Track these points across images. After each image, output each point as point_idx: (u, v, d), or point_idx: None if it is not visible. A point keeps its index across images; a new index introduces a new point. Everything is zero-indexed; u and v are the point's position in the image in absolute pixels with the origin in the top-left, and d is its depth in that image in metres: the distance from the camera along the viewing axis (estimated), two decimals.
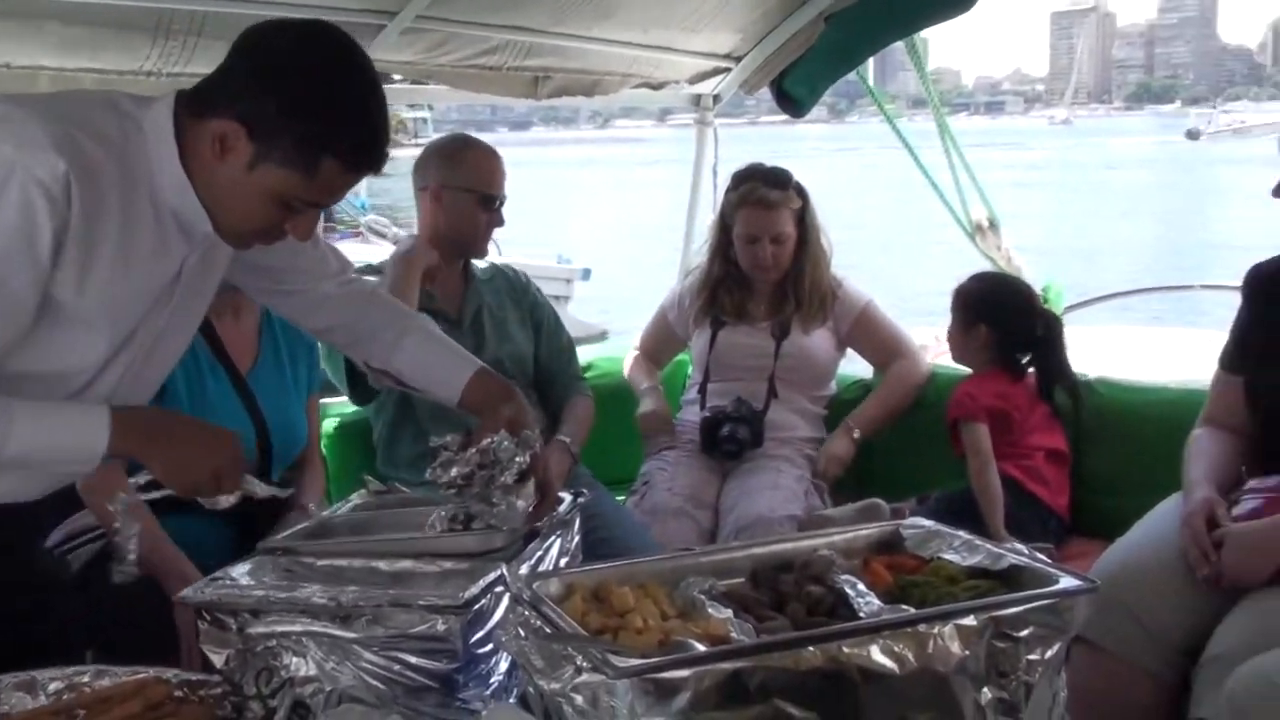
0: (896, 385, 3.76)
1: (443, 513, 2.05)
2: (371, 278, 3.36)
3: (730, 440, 3.56)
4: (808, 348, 3.69)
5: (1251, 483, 2.59)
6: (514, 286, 3.52)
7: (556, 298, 12.27)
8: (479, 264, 3.47)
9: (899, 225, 24.52)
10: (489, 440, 2.07)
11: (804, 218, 3.67)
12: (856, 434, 3.65)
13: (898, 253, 21.83)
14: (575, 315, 11.90)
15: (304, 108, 1.85)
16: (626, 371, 3.97)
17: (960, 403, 3.37)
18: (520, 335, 3.44)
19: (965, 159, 4.97)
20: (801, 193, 3.67)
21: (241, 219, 1.93)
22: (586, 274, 14.83)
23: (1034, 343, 3.46)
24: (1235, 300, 2.80)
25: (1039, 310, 3.52)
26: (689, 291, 3.88)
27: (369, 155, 1.93)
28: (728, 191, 3.76)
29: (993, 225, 5.01)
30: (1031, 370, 3.48)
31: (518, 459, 2.06)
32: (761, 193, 3.62)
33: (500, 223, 3.34)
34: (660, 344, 3.99)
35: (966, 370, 3.52)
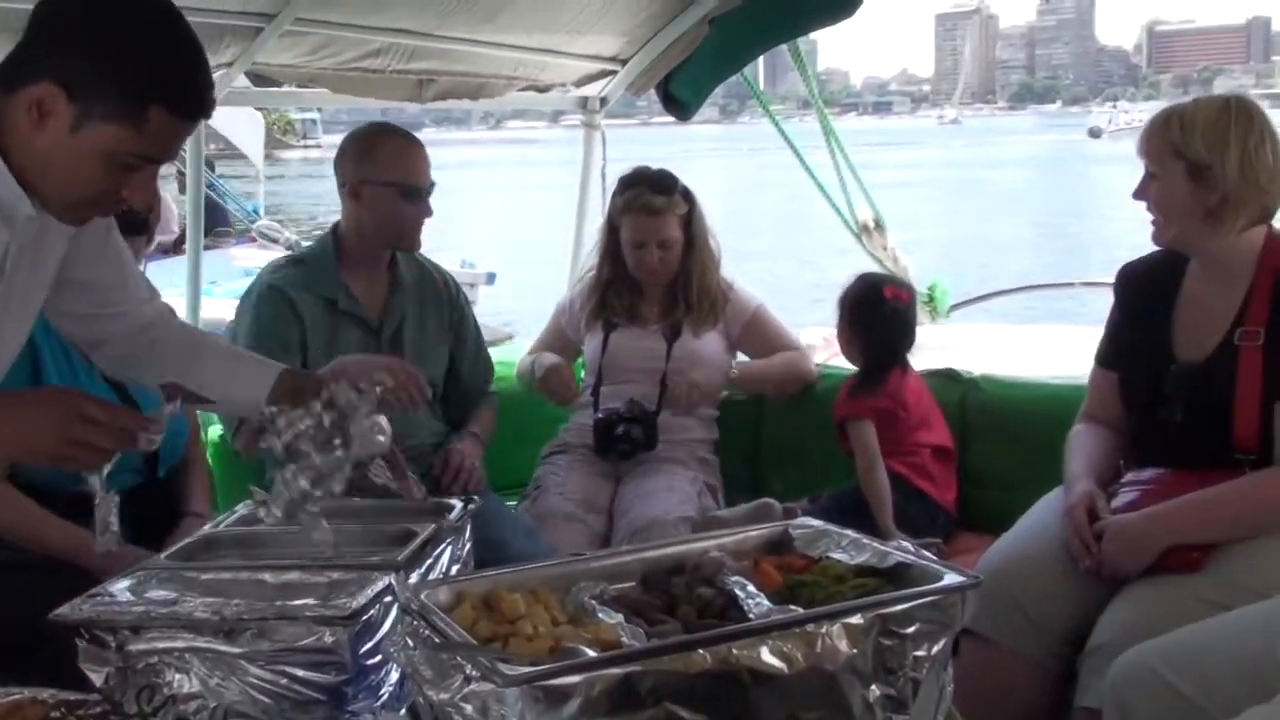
0: (784, 363, 3.80)
1: (302, 482, 1.97)
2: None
3: (624, 440, 3.56)
4: (699, 350, 3.69)
5: (1129, 475, 2.66)
6: (440, 295, 3.41)
7: None
8: (405, 263, 3.34)
9: (793, 225, 24.74)
10: (327, 392, 2.02)
11: (691, 222, 3.67)
12: (734, 372, 3.71)
13: (790, 253, 22.02)
14: (481, 320, 11.74)
15: (122, 58, 1.80)
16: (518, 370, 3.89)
17: (846, 401, 3.40)
18: (439, 353, 3.36)
19: (850, 161, 5.03)
20: (688, 197, 3.66)
21: (71, 185, 1.86)
22: (491, 278, 14.65)
23: (891, 341, 3.48)
24: (1109, 297, 2.88)
25: (888, 306, 3.50)
26: (580, 296, 3.87)
27: (195, 100, 1.89)
28: (614, 196, 3.74)
29: (879, 226, 5.09)
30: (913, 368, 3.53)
31: (363, 401, 2.02)
32: (646, 199, 3.61)
33: (429, 213, 3.22)
34: (553, 347, 3.93)
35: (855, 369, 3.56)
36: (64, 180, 1.85)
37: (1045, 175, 41.95)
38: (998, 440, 3.54)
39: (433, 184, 3.23)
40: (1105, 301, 2.92)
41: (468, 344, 3.47)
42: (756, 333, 3.80)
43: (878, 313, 3.46)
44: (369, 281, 3.27)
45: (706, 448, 3.70)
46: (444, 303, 3.42)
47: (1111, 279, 2.90)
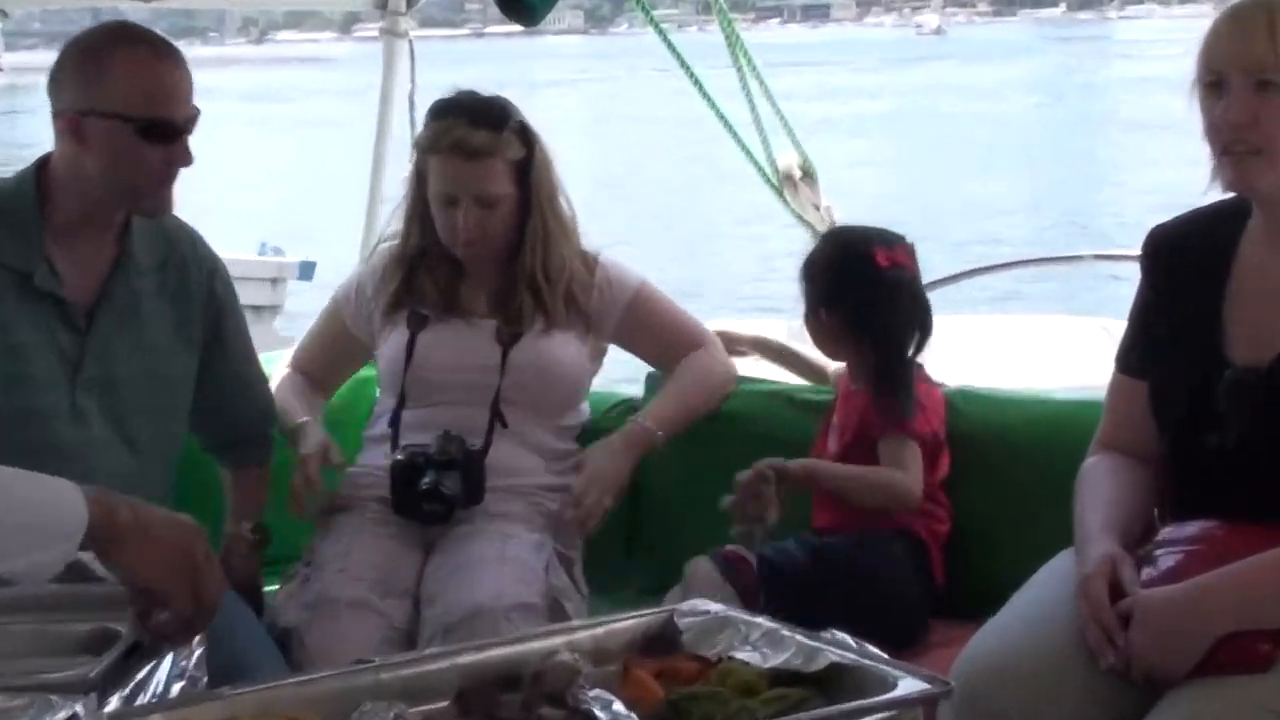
0: (698, 376, 3.79)
1: None
2: None
3: (433, 496, 3.46)
4: (548, 355, 3.65)
5: (1167, 530, 2.69)
6: (190, 287, 3.30)
7: (259, 308, 11.77)
8: (144, 233, 3.23)
9: (689, 180, 25.03)
10: None
11: (530, 172, 3.62)
12: (660, 434, 3.65)
13: (686, 220, 22.28)
14: (285, 332, 11.18)
15: None
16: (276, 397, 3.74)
17: (885, 417, 3.37)
18: (178, 374, 3.28)
19: (766, 85, 5.06)
20: (526, 137, 3.62)
21: None
22: (307, 271, 14.00)
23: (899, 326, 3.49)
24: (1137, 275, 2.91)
25: (886, 275, 3.49)
26: (373, 276, 3.82)
27: None
28: (422, 131, 3.73)
29: (807, 175, 5.14)
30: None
31: None
32: (461, 134, 3.55)
33: (186, 161, 3.13)
34: (329, 356, 3.89)
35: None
36: None
37: (1056, 110, 42.99)
38: (981, 481, 3.53)
39: (196, 113, 3.15)
40: (1129, 281, 2.95)
41: (231, 361, 3.41)
42: (641, 320, 3.79)
43: (867, 286, 3.45)
44: (83, 254, 3.17)
45: (557, 496, 3.62)
46: (195, 300, 3.32)
47: (1136, 250, 2.93)
